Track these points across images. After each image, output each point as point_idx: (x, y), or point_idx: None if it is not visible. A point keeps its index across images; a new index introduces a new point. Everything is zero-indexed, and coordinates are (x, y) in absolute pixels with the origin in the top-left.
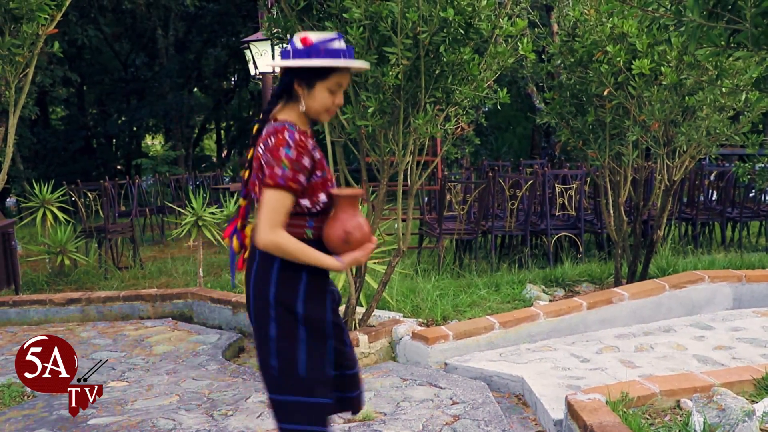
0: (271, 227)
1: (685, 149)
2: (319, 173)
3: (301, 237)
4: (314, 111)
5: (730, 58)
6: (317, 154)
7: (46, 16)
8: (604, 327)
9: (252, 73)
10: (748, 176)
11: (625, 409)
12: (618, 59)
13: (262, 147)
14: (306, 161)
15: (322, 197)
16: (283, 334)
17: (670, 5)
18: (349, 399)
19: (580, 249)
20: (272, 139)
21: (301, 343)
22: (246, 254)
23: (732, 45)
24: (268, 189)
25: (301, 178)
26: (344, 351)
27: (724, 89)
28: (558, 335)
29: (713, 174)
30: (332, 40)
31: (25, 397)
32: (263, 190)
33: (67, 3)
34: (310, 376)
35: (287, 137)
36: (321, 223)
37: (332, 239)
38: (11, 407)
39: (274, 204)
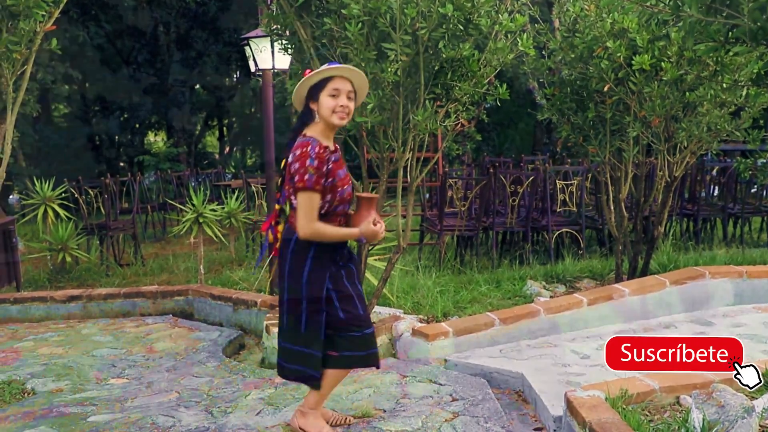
0: (309, 220)
1: (686, 145)
2: (330, 179)
3: None
4: (325, 116)
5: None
6: (330, 165)
7: (44, 13)
8: (605, 323)
9: (252, 69)
10: (750, 172)
11: (624, 406)
12: (618, 55)
13: (291, 157)
14: (324, 169)
15: (328, 197)
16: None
17: (668, 0)
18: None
19: (581, 245)
20: (298, 151)
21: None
22: (278, 245)
23: (731, 40)
24: (300, 192)
25: (323, 181)
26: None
27: (724, 85)
28: (558, 331)
29: (715, 169)
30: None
31: (26, 394)
32: (297, 192)
33: (65, 0)
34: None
35: (310, 150)
36: (326, 219)
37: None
38: (11, 404)
39: (308, 203)
